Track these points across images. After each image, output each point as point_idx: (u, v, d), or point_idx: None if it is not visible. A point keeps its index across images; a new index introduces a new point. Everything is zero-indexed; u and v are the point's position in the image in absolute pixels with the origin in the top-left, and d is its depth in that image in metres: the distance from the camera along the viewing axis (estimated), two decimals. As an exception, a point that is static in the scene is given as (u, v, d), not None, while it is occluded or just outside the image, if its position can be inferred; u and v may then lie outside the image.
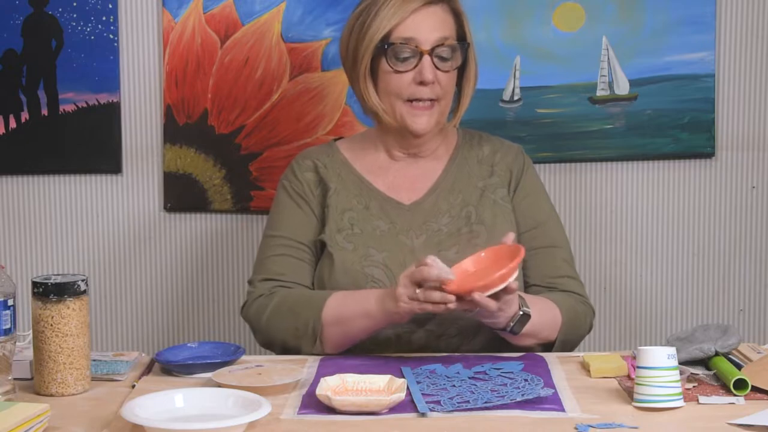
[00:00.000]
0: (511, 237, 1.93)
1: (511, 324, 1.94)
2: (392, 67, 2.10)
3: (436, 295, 1.85)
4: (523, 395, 1.71)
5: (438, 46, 2.09)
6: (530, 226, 2.17)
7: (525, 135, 2.64)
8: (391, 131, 2.18)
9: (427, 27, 2.09)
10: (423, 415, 1.65)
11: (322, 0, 2.63)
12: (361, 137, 2.28)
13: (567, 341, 2.09)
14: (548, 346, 2.08)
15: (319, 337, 2.00)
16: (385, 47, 2.09)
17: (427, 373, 1.86)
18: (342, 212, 2.14)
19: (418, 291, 1.87)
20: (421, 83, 2.09)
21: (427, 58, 2.08)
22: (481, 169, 2.20)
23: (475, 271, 1.90)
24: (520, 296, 1.96)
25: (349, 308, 1.99)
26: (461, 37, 2.14)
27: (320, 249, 2.15)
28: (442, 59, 2.10)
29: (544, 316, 2.03)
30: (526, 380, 1.80)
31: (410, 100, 2.11)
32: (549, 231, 2.18)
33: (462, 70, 2.17)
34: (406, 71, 2.10)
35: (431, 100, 2.11)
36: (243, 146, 2.67)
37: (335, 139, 2.29)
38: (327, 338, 2.00)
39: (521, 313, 1.94)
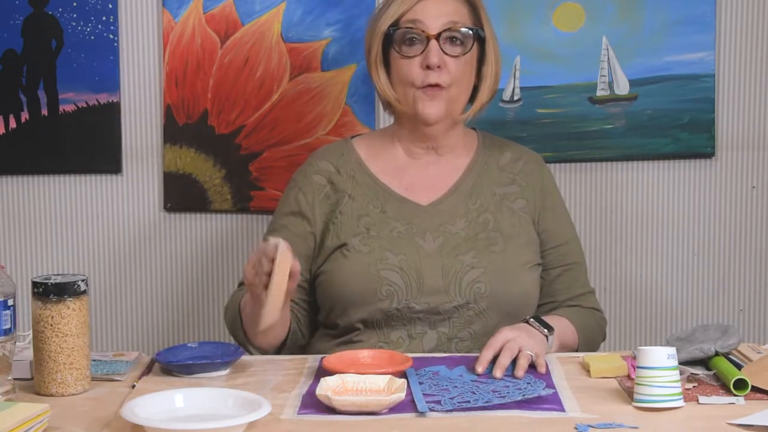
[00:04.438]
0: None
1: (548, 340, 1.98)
2: (400, 53, 2.11)
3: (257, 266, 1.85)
4: (523, 395, 1.71)
5: (446, 30, 2.09)
6: (558, 243, 2.19)
7: (525, 135, 2.64)
8: (405, 125, 2.18)
9: (436, 12, 2.10)
10: (422, 414, 1.65)
11: (322, 0, 2.63)
12: (381, 134, 2.28)
13: (589, 346, 2.17)
14: None
15: (240, 329, 2.06)
16: (393, 32, 2.11)
17: (431, 375, 1.86)
18: (358, 218, 2.13)
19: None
20: (428, 67, 2.09)
21: (433, 42, 2.09)
22: (501, 176, 2.20)
23: (364, 363, 1.88)
24: (533, 320, 2.00)
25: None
26: (477, 27, 2.14)
27: (317, 255, 2.15)
28: (451, 44, 2.10)
29: (560, 322, 2.08)
30: (528, 383, 1.80)
31: (420, 88, 2.11)
32: (573, 248, 2.22)
33: (480, 66, 2.17)
34: (414, 56, 2.10)
35: (440, 87, 2.10)
36: (243, 146, 2.67)
37: (352, 137, 2.28)
38: (245, 328, 2.05)
39: (546, 331, 1.98)
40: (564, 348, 2.08)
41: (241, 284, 2.19)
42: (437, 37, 2.09)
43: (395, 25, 2.11)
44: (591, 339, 2.18)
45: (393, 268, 2.07)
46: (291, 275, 1.83)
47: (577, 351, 2.12)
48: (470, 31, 2.12)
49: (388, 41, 2.13)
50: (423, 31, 2.09)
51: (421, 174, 2.19)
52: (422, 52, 2.10)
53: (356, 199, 2.15)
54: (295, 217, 2.16)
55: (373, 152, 2.22)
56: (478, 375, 1.85)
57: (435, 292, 2.06)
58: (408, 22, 2.10)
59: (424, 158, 2.20)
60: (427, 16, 2.10)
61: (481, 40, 2.15)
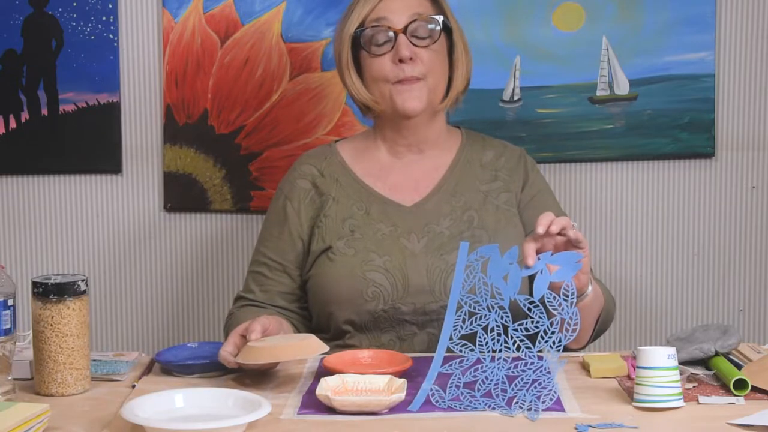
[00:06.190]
0: None
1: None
2: (370, 52, 2.12)
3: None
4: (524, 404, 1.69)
5: (412, 22, 2.11)
6: None
7: (525, 135, 2.64)
8: (387, 123, 2.19)
9: (399, 7, 2.12)
10: (410, 411, 1.66)
11: (322, 0, 2.63)
12: (363, 136, 2.28)
13: (605, 320, 2.08)
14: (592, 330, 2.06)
15: None
16: (360, 33, 2.12)
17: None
18: (342, 221, 2.13)
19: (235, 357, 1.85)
20: (400, 61, 2.10)
21: (401, 36, 2.10)
22: (484, 174, 2.20)
23: (367, 363, 1.89)
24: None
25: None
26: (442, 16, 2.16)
27: (306, 259, 2.15)
28: (419, 35, 2.12)
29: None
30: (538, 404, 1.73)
31: (395, 83, 2.12)
32: None
33: (451, 56, 2.17)
34: (385, 53, 2.12)
35: (417, 79, 2.11)
36: (243, 146, 2.68)
37: (336, 140, 2.29)
38: None
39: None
40: (598, 296, 1.99)
41: (237, 300, 2.20)
42: (404, 30, 2.11)
43: (361, 26, 2.13)
44: (609, 300, 2.10)
45: (378, 270, 2.07)
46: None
47: (602, 308, 2.03)
48: (436, 20, 2.13)
49: (356, 44, 2.14)
50: (389, 27, 2.11)
51: (404, 174, 2.19)
52: (392, 48, 2.11)
53: (340, 201, 2.16)
54: (284, 226, 2.17)
55: (356, 155, 2.22)
56: (528, 266, 1.74)
57: (420, 293, 2.06)
58: (373, 21, 2.12)
59: (408, 157, 2.20)
60: (391, 13, 2.12)
61: (447, 30, 2.16)
